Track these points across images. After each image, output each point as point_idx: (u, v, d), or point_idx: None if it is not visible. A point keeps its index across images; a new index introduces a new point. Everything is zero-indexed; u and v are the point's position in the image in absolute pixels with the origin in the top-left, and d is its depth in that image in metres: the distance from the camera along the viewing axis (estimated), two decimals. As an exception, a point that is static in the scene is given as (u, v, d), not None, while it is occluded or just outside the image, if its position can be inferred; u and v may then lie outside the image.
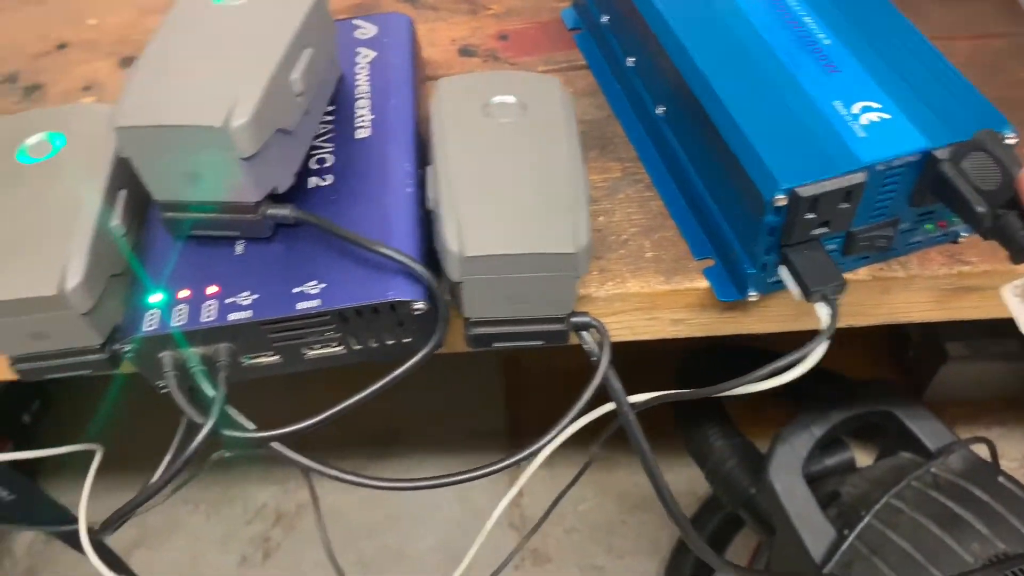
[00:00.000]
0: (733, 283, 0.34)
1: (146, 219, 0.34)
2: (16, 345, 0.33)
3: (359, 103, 0.36)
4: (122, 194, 0.34)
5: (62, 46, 0.46)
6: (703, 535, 0.81)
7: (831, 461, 0.54)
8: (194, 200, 0.30)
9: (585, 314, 0.32)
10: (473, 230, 0.29)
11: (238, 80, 0.29)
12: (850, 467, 0.53)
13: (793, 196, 0.29)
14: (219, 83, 0.29)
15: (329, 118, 0.35)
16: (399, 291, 0.30)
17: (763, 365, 0.30)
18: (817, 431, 0.51)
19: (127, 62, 0.45)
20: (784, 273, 0.32)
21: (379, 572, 1.03)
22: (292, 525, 1.07)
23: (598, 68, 0.42)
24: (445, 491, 1.08)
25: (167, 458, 0.33)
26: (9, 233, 0.31)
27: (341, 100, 0.36)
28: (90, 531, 0.50)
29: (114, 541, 1.08)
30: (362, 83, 0.36)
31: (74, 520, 0.49)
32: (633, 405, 0.33)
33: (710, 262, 0.35)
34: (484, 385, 1.05)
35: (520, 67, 0.43)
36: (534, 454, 0.33)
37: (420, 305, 0.30)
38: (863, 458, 0.57)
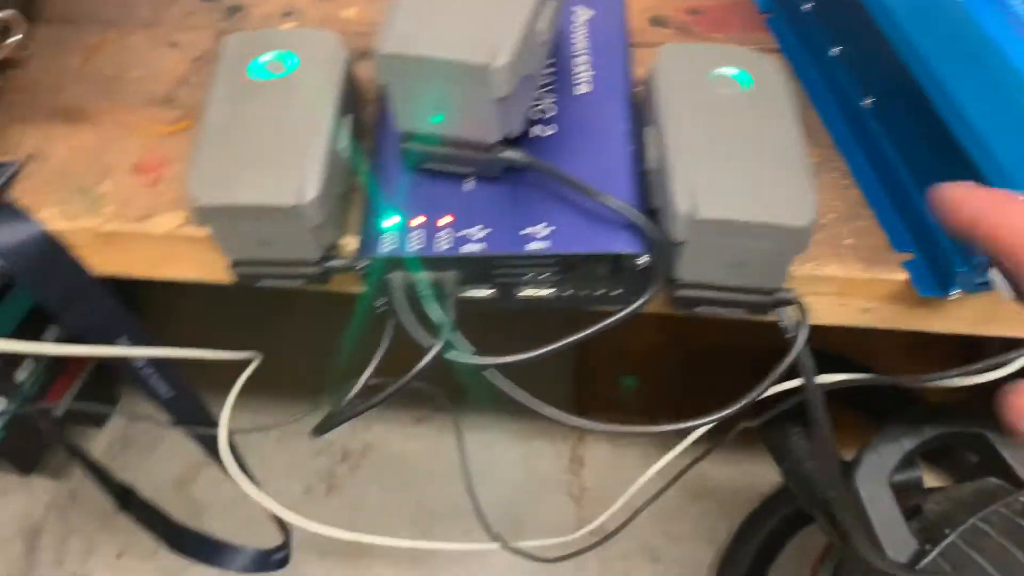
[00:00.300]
0: (935, 279, 0.34)
1: (374, 147, 0.36)
2: (241, 249, 0.34)
3: (578, 59, 0.37)
4: (348, 118, 0.35)
5: (262, -28, 0.48)
6: (761, 532, 0.82)
7: (901, 477, 0.54)
8: (438, 134, 0.32)
9: (790, 290, 0.33)
10: (707, 192, 0.30)
11: (498, 22, 0.30)
12: (919, 485, 0.53)
13: (1029, 198, 0.29)
14: (480, 23, 0.30)
15: (550, 70, 0.36)
16: (626, 243, 0.31)
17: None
18: (908, 444, 0.52)
19: (327, -7, 0.46)
20: (995, 274, 0.32)
21: (436, 521, 1.06)
22: (357, 464, 1.11)
23: (791, 53, 0.43)
24: (509, 452, 1.10)
25: (367, 373, 0.34)
26: (249, 143, 0.33)
27: (560, 54, 0.37)
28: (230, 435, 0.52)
29: (182, 455, 1.12)
30: (579, 40, 0.37)
31: (215, 424, 0.52)
32: (820, 385, 0.34)
33: (910, 255, 0.35)
34: (553, 360, 1.07)
35: (712, 43, 0.43)
36: (719, 420, 0.34)
37: (644, 259, 0.31)
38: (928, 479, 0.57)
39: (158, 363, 0.45)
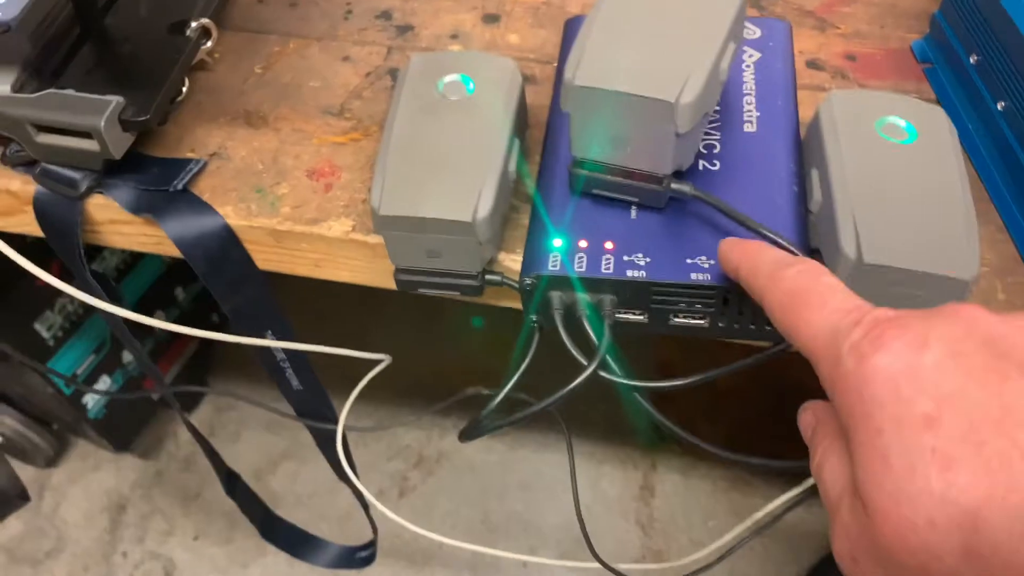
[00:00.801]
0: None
1: (540, 170, 0.37)
2: (409, 258, 0.36)
3: (746, 99, 0.38)
4: (516, 142, 0.37)
5: (430, -7, 0.50)
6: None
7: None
8: (611, 163, 0.33)
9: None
10: (872, 239, 0.31)
11: (685, 61, 0.31)
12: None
13: None
14: (668, 61, 0.31)
15: (717, 108, 0.37)
16: (787, 282, 0.32)
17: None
18: None
19: (490, 19, 0.48)
20: None
21: (503, 537, 1.07)
22: (431, 471, 1.13)
23: (949, 104, 0.43)
24: (580, 475, 1.11)
25: (509, 384, 0.36)
26: (431, 159, 0.35)
27: (728, 93, 0.38)
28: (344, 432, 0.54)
29: (263, 447, 1.15)
30: (748, 80, 0.38)
31: (335, 420, 0.54)
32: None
33: (1062, 315, 0.35)
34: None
35: (879, 91, 0.44)
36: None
37: (803, 299, 0.32)
38: None
39: (294, 357, 0.48)
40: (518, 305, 0.36)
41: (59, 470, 1.12)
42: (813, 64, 0.45)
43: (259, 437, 1.14)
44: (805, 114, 0.40)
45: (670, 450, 1.11)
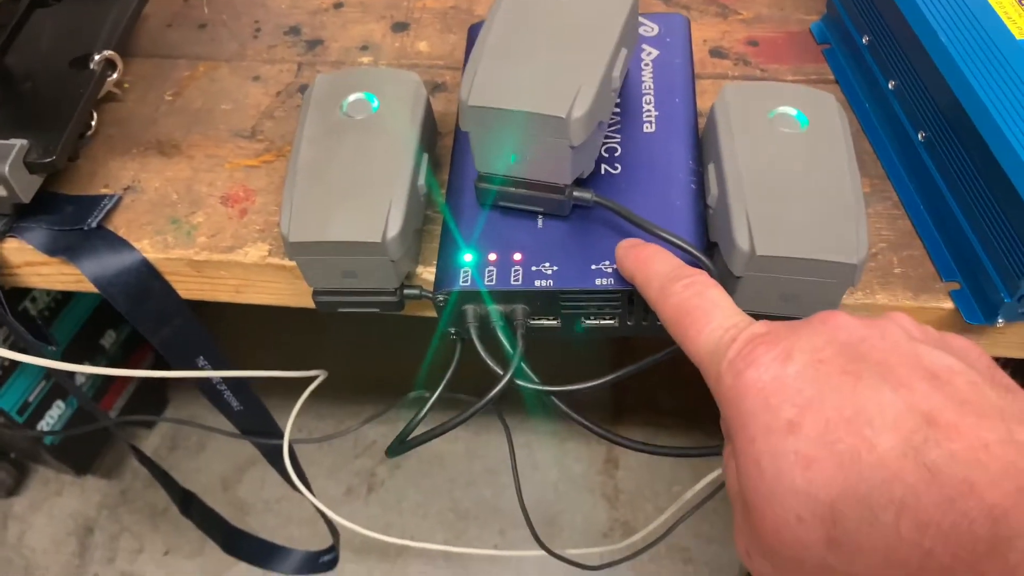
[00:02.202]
0: (981, 308, 0.36)
1: (449, 184, 0.38)
2: (325, 279, 0.37)
3: (644, 99, 0.39)
4: (425, 157, 0.38)
5: (338, 5, 0.50)
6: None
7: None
8: (513, 176, 0.34)
9: (840, 320, 0.35)
10: (764, 231, 0.32)
11: (575, 75, 0.32)
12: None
13: (1076, 240, 0.31)
14: (559, 75, 0.32)
15: (616, 110, 0.38)
16: (688, 279, 0.33)
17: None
18: None
19: (399, 27, 0.49)
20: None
21: (472, 521, 1.08)
22: (398, 464, 1.14)
23: (847, 84, 0.44)
24: (544, 454, 1.13)
25: (434, 396, 0.37)
26: (337, 182, 0.36)
27: (627, 94, 0.39)
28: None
29: (227, 457, 1.14)
30: (646, 79, 0.39)
31: (280, 435, 0.55)
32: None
33: (956, 285, 0.37)
34: (591, 357, 1.08)
35: (769, 73, 0.45)
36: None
37: (705, 294, 0.33)
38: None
39: (230, 380, 0.48)
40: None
41: (21, 498, 1.11)
42: (716, 52, 0.46)
43: (224, 447, 1.14)
44: (708, 105, 0.41)
45: (631, 422, 1.13)
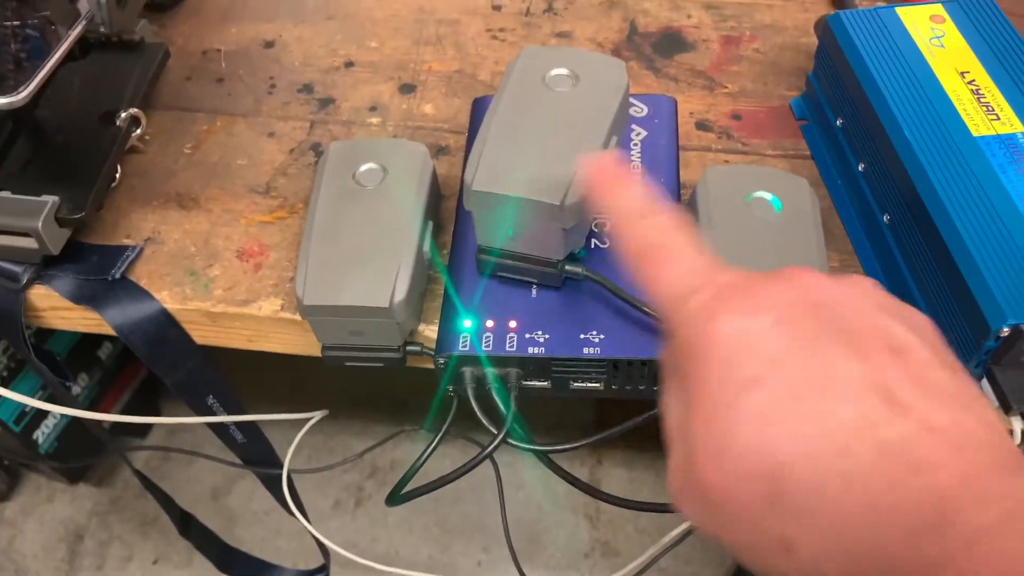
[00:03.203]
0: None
1: (452, 250, 0.41)
2: (333, 337, 0.40)
3: (633, 176, 0.42)
4: (429, 224, 0.41)
5: (349, 64, 0.53)
6: None
7: None
8: (511, 250, 0.37)
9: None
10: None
11: (569, 163, 0.35)
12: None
13: (1017, 330, 0.34)
14: (555, 163, 0.35)
15: (607, 186, 0.41)
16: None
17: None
18: None
19: (407, 88, 0.52)
20: (985, 386, 0.37)
21: (457, 537, 1.11)
22: (384, 480, 1.16)
23: (822, 161, 0.48)
24: (530, 472, 1.16)
25: (431, 446, 0.40)
26: (352, 247, 0.39)
27: (616, 170, 0.42)
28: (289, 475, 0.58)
29: (218, 467, 1.16)
30: (635, 158, 0.43)
31: (279, 465, 0.57)
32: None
33: (913, 360, 0.40)
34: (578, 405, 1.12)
35: (751, 148, 0.48)
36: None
37: (683, 366, 0.36)
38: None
39: (237, 414, 0.51)
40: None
41: (12, 503, 1.13)
42: (702, 125, 0.49)
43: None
44: (692, 176, 0.44)
45: (614, 445, 1.16)
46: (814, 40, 0.52)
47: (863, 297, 0.24)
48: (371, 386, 1.17)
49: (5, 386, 0.92)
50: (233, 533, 1.06)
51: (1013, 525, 0.19)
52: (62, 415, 1.00)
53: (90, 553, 1.09)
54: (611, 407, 1.11)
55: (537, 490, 1.12)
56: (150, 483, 0.64)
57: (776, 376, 0.21)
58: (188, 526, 0.70)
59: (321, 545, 0.73)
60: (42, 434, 1.00)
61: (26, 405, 0.96)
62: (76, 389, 1.03)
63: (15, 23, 0.40)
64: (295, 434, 0.59)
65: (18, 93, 0.35)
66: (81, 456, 1.08)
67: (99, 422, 1.06)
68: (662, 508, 0.38)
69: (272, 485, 0.60)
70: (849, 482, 0.20)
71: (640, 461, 1.18)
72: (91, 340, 1.03)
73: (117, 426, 1.11)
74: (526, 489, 1.13)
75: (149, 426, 1.18)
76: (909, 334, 0.23)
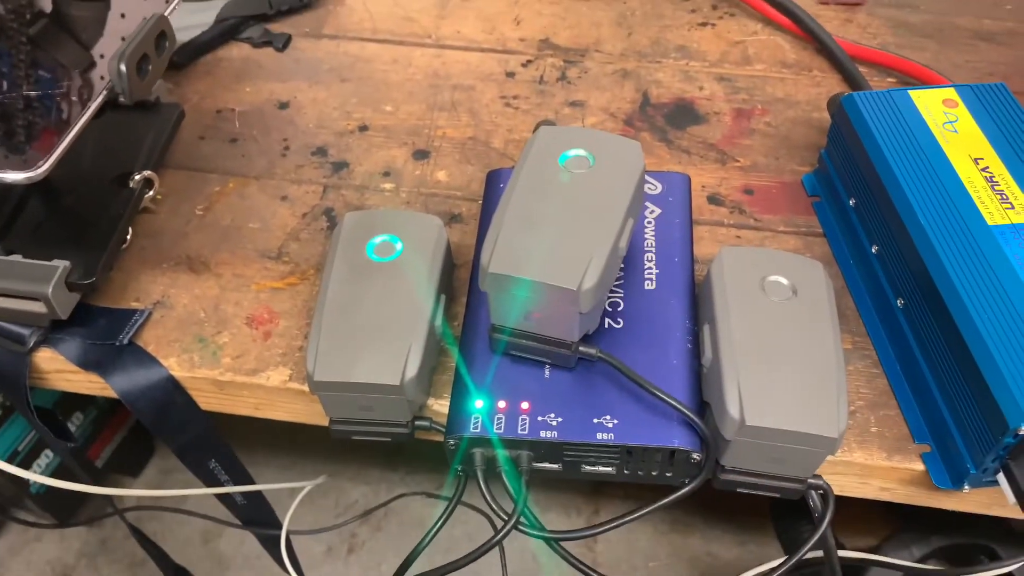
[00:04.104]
0: (949, 473, 0.39)
1: (463, 327, 0.41)
2: (342, 411, 0.40)
3: (646, 256, 0.42)
4: (442, 299, 0.41)
5: (363, 127, 0.54)
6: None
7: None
8: (524, 331, 0.37)
9: (819, 477, 0.38)
10: (753, 401, 0.35)
11: (587, 246, 0.35)
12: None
13: (1035, 428, 0.34)
14: (571, 247, 0.35)
15: (621, 267, 0.41)
16: (682, 440, 0.36)
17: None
18: (917, 552, 0.55)
19: (420, 155, 0.52)
20: (1002, 479, 0.37)
21: (450, 589, 1.09)
22: (379, 526, 1.15)
23: (834, 240, 0.48)
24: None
25: (440, 522, 0.39)
26: (364, 322, 0.38)
27: (631, 251, 0.42)
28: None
29: (209, 511, 1.15)
30: (649, 237, 0.43)
31: (279, 525, 0.57)
32: (840, 558, 0.39)
33: (927, 448, 0.40)
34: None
35: (763, 224, 0.48)
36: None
37: (697, 456, 0.36)
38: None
39: (238, 479, 0.50)
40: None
41: (-1, 542, 1.11)
42: (714, 199, 0.50)
43: (205, 501, 1.14)
44: (705, 252, 0.44)
45: (612, 495, 1.15)
46: (826, 115, 0.53)
47: None
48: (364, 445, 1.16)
49: (-1, 426, 0.91)
50: (225, 577, 1.05)
51: None
52: (54, 455, 0.99)
53: (78, 595, 1.07)
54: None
55: (533, 540, 1.11)
56: (144, 538, 0.63)
57: None
58: (181, 582, 0.69)
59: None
60: (35, 473, 0.98)
61: (19, 444, 0.95)
62: (71, 427, 1.02)
63: (30, 93, 0.40)
64: (294, 491, 0.59)
65: (37, 168, 0.35)
66: (73, 496, 1.07)
67: (92, 459, 1.05)
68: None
69: (269, 543, 0.60)
70: None
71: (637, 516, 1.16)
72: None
73: (109, 466, 1.10)
74: (521, 539, 1.12)
75: (141, 466, 1.16)
76: None
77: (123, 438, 1.10)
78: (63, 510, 1.08)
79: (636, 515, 0.37)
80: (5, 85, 0.40)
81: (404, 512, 1.15)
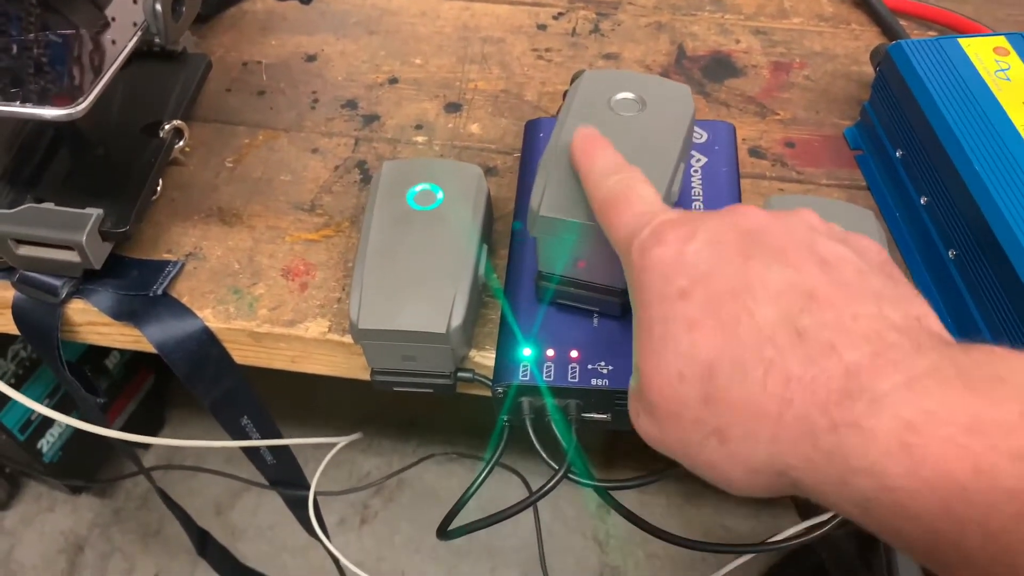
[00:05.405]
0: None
1: (508, 277, 0.40)
2: (385, 362, 0.39)
3: (695, 205, 0.41)
4: (484, 247, 0.40)
5: (393, 80, 0.52)
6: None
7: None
8: (573, 278, 0.36)
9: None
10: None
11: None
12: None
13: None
14: (625, 189, 0.34)
15: (667, 213, 0.40)
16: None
17: None
18: None
19: (452, 107, 0.51)
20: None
21: (464, 559, 1.09)
22: (391, 497, 1.15)
23: (879, 193, 0.47)
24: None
25: (481, 477, 0.38)
26: (408, 270, 0.37)
27: (678, 200, 0.41)
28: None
29: (222, 481, 1.14)
30: (696, 186, 0.42)
31: (307, 486, 0.56)
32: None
33: (979, 400, 0.39)
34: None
35: (805, 176, 0.47)
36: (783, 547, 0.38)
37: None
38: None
39: (270, 436, 0.49)
40: (488, 393, 0.39)
41: (12, 512, 1.11)
42: (755, 152, 0.48)
43: (225, 465, 1.14)
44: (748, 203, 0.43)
45: (626, 466, 1.15)
46: (866, 69, 0.52)
47: (798, 223, 0.26)
48: (378, 404, 1.15)
49: (13, 395, 0.90)
50: (237, 548, 1.04)
51: (915, 385, 0.20)
52: (67, 425, 0.99)
53: (90, 565, 1.07)
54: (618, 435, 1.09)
55: (545, 512, 1.11)
56: (170, 500, 0.63)
57: (702, 288, 0.24)
58: (205, 545, 0.69)
59: (340, 568, 0.71)
60: (47, 443, 0.98)
61: (32, 413, 0.94)
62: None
63: (66, 33, 0.38)
64: (319, 453, 0.58)
65: (77, 105, 0.34)
66: (86, 466, 1.06)
67: (113, 417, 1.04)
68: (728, 548, 0.37)
69: (297, 508, 0.59)
70: (769, 366, 0.22)
71: (651, 487, 1.17)
72: (98, 350, 1.01)
73: (126, 429, 1.09)
74: (533, 512, 1.12)
75: (155, 432, 1.16)
76: (843, 249, 0.25)
77: (135, 408, 1.10)
78: (77, 479, 1.07)
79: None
80: (43, 26, 0.38)
81: (418, 483, 1.15)
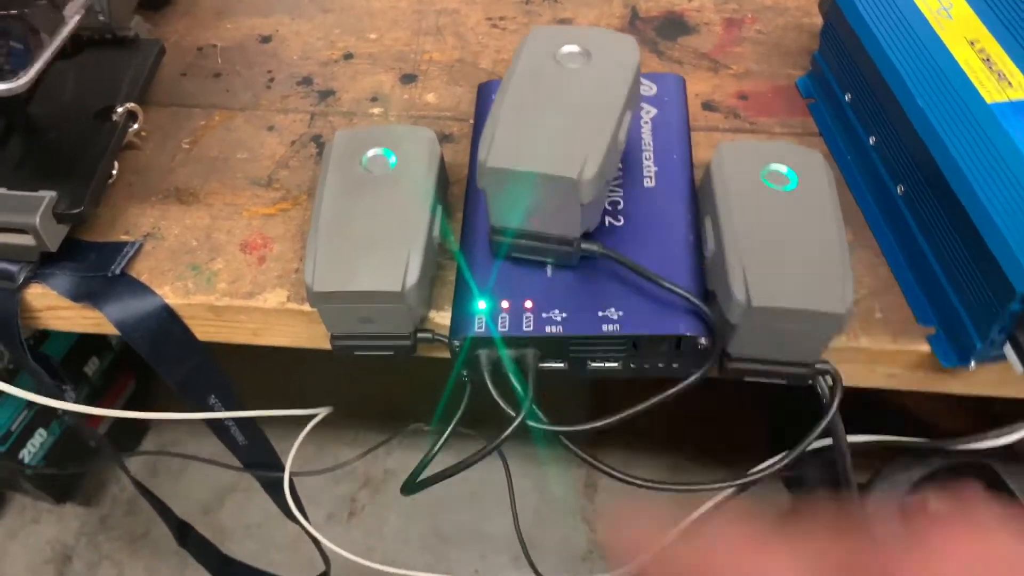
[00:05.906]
0: (955, 352, 0.39)
1: (463, 234, 0.40)
2: (343, 325, 0.39)
3: (644, 155, 0.41)
4: (439, 208, 0.40)
5: (348, 56, 0.53)
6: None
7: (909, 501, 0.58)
8: (525, 230, 0.36)
9: (827, 362, 0.37)
10: (759, 283, 0.35)
11: (585, 137, 0.34)
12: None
13: (1043, 292, 0.34)
14: (570, 138, 0.34)
15: (619, 166, 0.41)
16: (688, 327, 0.36)
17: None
18: (916, 474, 0.56)
19: (408, 79, 0.51)
20: (1009, 351, 0.37)
21: (454, 545, 1.10)
22: (378, 489, 1.15)
23: (831, 138, 0.47)
24: (525, 477, 1.14)
25: (444, 435, 0.39)
26: (362, 233, 0.38)
27: (628, 151, 0.41)
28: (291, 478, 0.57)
29: (208, 481, 1.14)
30: (646, 137, 0.42)
31: (282, 468, 0.56)
32: (850, 444, 0.39)
33: (932, 330, 0.40)
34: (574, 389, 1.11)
35: (758, 126, 0.48)
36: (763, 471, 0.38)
37: (703, 341, 0.36)
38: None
39: (239, 417, 0.50)
40: (448, 355, 0.39)
41: (-4, 526, 1.10)
42: (708, 106, 0.49)
43: (204, 471, 1.14)
44: (702, 156, 0.44)
45: (611, 444, 1.15)
46: (816, 20, 0.52)
47: None
48: (362, 392, 1.15)
49: (-8, 399, 0.90)
50: (225, 548, 1.04)
51: None
52: (48, 434, 0.98)
53: (78, 574, 1.07)
54: (609, 393, 1.10)
55: (532, 494, 1.11)
56: (147, 491, 0.62)
57: None
58: (185, 536, 0.69)
59: (322, 551, 0.71)
60: (28, 452, 0.97)
61: (12, 423, 0.93)
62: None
63: (6, 13, 0.38)
64: (294, 438, 0.58)
65: (18, 79, 0.34)
66: (68, 476, 1.06)
67: (93, 429, 1.04)
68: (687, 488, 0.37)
69: (273, 491, 0.59)
70: None
71: (637, 462, 1.17)
72: (78, 356, 1.01)
73: (108, 437, 1.09)
74: (521, 493, 1.12)
75: (139, 439, 1.15)
76: None
77: (115, 418, 1.09)
78: (61, 489, 1.07)
79: (644, 405, 0.37)
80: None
81: (404, 474, 1.15)
